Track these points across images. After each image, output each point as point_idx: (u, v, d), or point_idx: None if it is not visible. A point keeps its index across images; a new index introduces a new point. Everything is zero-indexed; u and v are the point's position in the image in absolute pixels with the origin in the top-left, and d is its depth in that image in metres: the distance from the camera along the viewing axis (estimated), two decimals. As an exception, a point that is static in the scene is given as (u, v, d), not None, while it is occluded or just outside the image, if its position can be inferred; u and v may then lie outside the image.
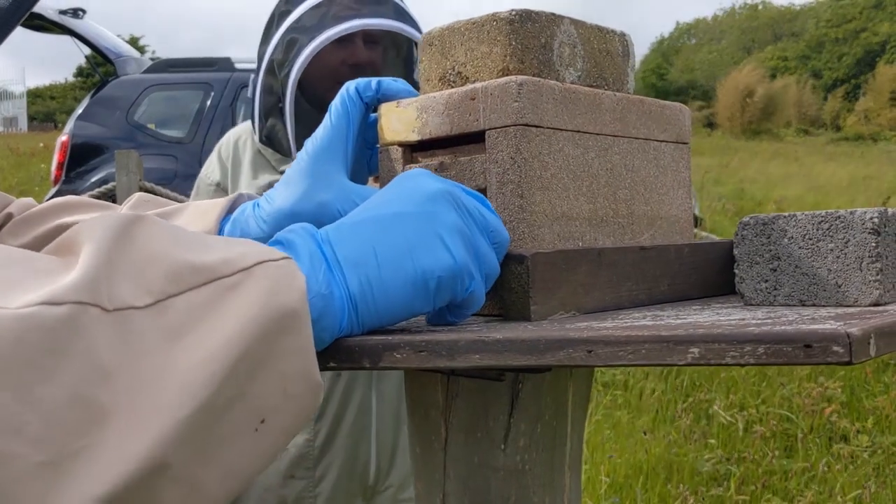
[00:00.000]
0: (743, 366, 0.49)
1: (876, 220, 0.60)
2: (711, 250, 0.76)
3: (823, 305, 0.62)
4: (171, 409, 0.40)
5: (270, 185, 1.41)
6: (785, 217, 0.64)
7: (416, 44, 1.40)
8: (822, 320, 0.52)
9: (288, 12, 1.40)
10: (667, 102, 0.78)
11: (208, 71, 5.80)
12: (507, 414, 0.76)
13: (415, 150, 0.71)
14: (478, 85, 0.66)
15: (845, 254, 0.61)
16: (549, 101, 0.65)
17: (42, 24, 5.92)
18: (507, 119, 0.64)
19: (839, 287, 0.61)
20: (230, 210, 0.74)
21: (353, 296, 0.52)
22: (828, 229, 0.62)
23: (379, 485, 1.46)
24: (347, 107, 0.71)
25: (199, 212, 0.73)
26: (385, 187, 0.59)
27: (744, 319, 0.55)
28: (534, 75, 0.67)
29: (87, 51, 6.29)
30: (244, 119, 6.53)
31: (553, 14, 0.69)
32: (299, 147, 1.24)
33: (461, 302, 0.56)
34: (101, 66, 6.89)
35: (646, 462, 3.02)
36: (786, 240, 0.64)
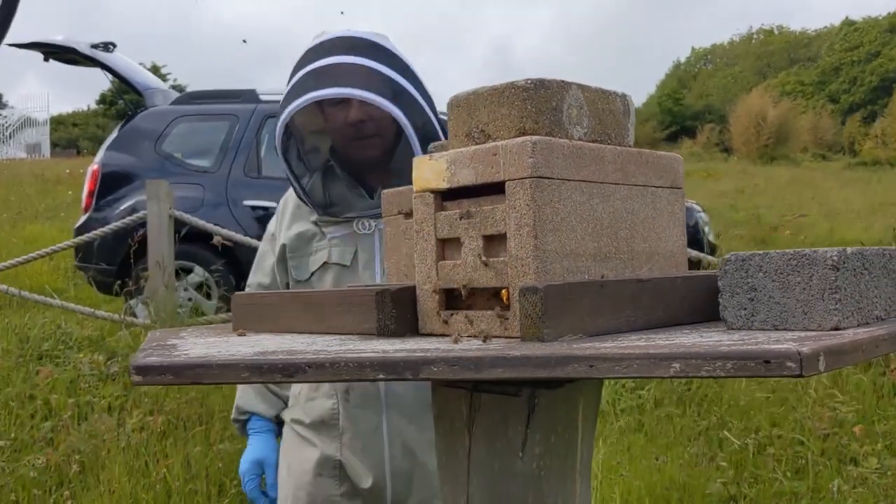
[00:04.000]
0: (716, 378, 0.60)
1: (835, 258, 0.71)
2: (702, 282, 0.87)
3: (792, 330, 0.73)
4: None
5: (298, 235, 1.62)
6: (760, 255, 0.75)
7: (408, 80, 1.49)
8: (783, 341, 0.63)
9: (289, 82, 1.54)
10: (662, 153, 0.90)
11: (234, 102, 5.96)
12: (525, 425, 0.87)
13: (445, 198, 0.83)
14: (499, 143, 0.78)
15: (810, 286, 0.72)
16: (559, 156, 0.77)
17: (75, 59, 6.13)
18: (523, 172, 0.76)
19: (805, 314, 0.73)
20: None
21: None
22: (796, 265, 0.73)
23: None
24: None
25: None
26: None
27: (720, 341, 0.66)
28: (546, 134, 0.79)
29: (116, 81, 6.49)
30: (268, 149, 6.55)
31: (563, 81, 0.82)
32: (313, 201, 1.58)
33: None
34: (125, 95, 7.08)
35: (659, 483, 3.10)
36: (761, 274, 0.75)
